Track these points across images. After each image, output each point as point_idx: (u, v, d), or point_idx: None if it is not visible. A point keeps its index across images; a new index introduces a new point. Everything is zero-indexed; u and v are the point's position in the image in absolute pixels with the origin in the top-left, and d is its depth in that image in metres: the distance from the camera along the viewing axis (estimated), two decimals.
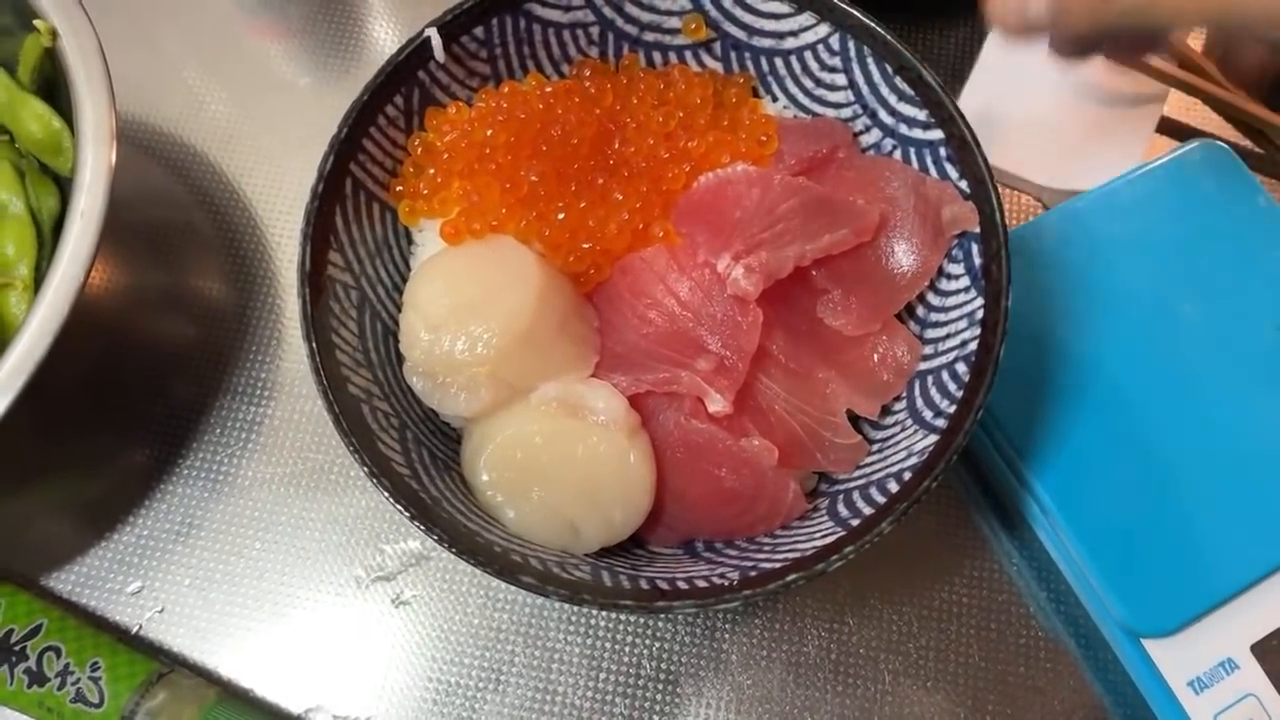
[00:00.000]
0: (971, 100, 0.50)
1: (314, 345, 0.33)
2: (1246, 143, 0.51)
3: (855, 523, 0.32)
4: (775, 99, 0.42)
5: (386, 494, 0.31)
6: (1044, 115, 0.50)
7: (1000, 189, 0.50)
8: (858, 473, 0.36)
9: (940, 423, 0.33)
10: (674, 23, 0.41)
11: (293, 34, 0.55)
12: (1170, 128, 0.51)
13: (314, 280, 0.34)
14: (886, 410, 0.37)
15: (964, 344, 0.34)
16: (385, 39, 0.54)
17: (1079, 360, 0.42)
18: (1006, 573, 0.43)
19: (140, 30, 0.55)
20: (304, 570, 0.43)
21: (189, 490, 0.45)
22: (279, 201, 0.51)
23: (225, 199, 0.51)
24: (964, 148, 0.36)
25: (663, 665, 0.41)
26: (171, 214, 0.51)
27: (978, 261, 0.35)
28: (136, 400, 0.47)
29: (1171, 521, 0.40)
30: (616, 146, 0.39)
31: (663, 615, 0.38)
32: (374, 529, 0.44)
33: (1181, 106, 0.52)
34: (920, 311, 0.38)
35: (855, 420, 0.37)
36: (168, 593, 0.43)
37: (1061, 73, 0.51)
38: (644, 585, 0.31)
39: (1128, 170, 0.46)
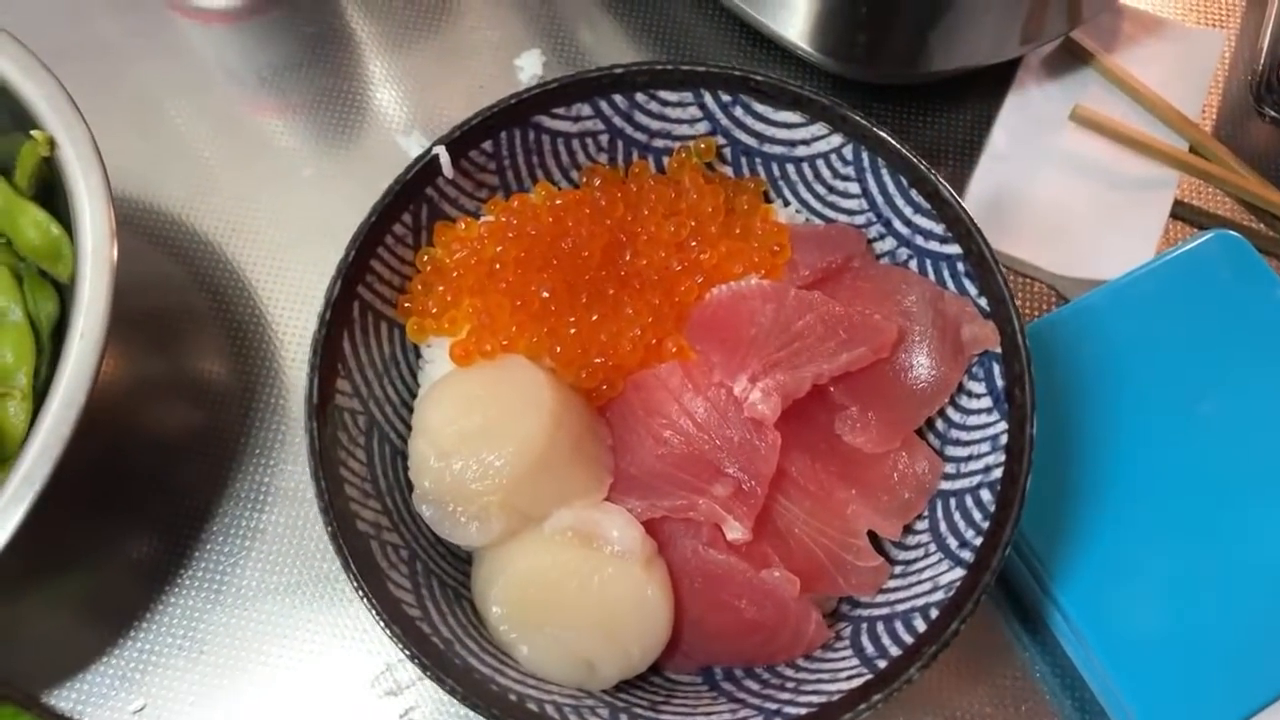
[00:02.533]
0: (981, 187, 0.50)
1: (322, 484, 0.32)
2: (1260, 226, 0.51)
3: (882, 664, 0.31)
4: (787, 203, 0.41)
5: (399, 642, 0.30)
6: (1055, 202, 0.50)
7: (1014, 277, 0.50)
8: (881, 598, 0.35)
9: (966, 555, 0.32)
10: (684, 130, 0.40)
11: (293, 112, 0.54)
12: (1183, 211, 0.51)
13: (321, 413, 0.33)
14: (908, 529, 0.36)
15: (988, 469, 0.34)
16: (386, 122, 0.53)
17: (1100, 463, 0.41)
18: (1030, 679, 0.42)
19: (143, 113, 0.54)
20: (309, 685, 0.42)
21: (191, 601, 0.44)
22: (281, 294, 0.50)
23: (228, 289, 0.50)
24: (983, 265, 0.35)
25: None
26: (172, 303, 0.51)
27: (1000, 383, 0.34)
28: (137, 500, 0.46)
29: (1198, 631, 0.39)
30: (628, 258, 0.38)
31: None
32: (380, 640, 0.43)
33: (1192, 189, 0.51)
34: (940, 426, 0.37)
35: (876, 540, 0.36)
36: (171, 711, 0.42)
37: (1071, 159, 0.50)
38: None
39: (1143, 262, 0.46)
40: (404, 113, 0.54)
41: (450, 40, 0.55)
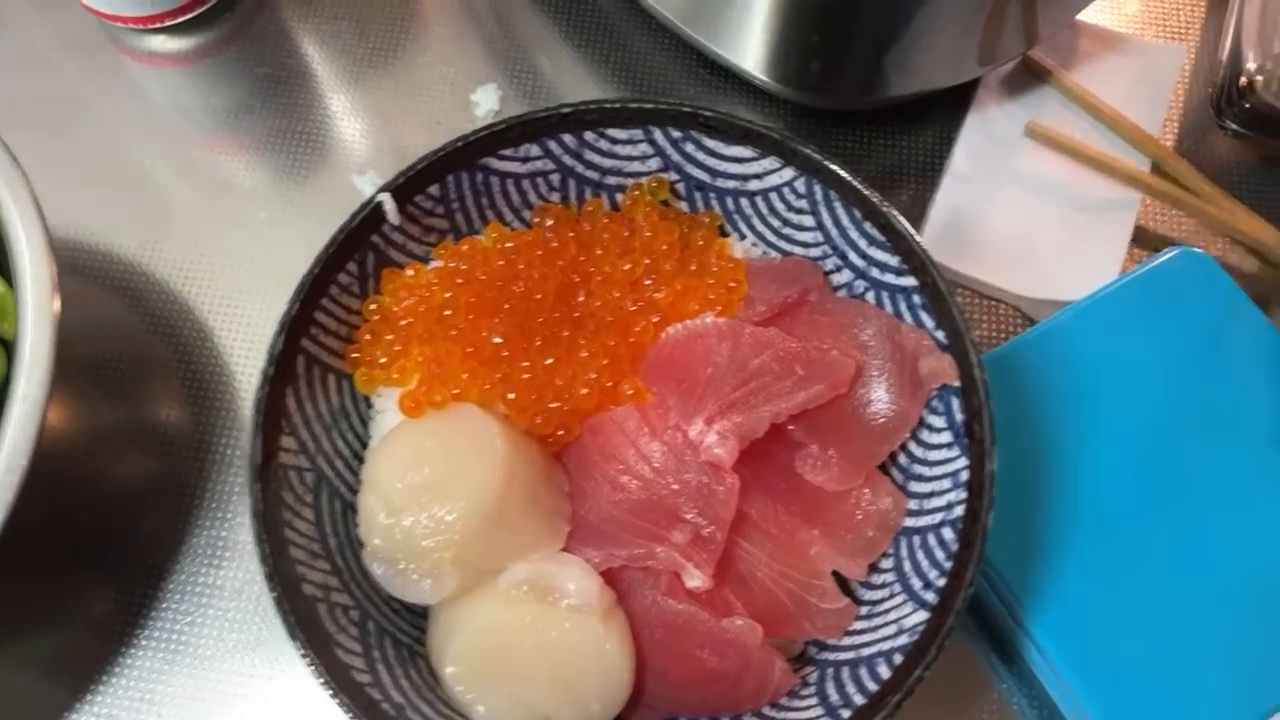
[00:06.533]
0: (943, 209, 0.49)
1: (266, 547, 0.31)
2: (1222, 241, 0.50)
3: (846, 714, 0.30)
4: (743, 236, 0.41)
5: (347, 710, 0.29)
6: (1018, 222, 0.49)
7: (979, 299, 0.49)
8: (847, 640, 0.34)
9: (930, 597, 0.32)
10: (635, 166, 0.39)
11: (248, 154, 0.53)
12: (1147, 229, 0.51)
13: (265, 473, 0.32)
14: (874, 569, 0.36)
15: (950, 506, 0.33)
16: (342, 161, 0.53)
17: (1069, 489, 0.41)
18: (1008, 712, 0.41)
19: (96, 158, 0.53)
20: None
21: (148, 661, 0.43)
22: (239, 340, 0.49)
23: (185, 335, 0.49)
24: (938, 297, 0.34)
25: None
26: (127, 350, 0.50)
27: (959, 417, 0.34)
28: (92, 555, 0.44)
29: (1176, 660, 0.38)
30: (582, 299, 0.38)
31: None
32: None
33: (1157, 206, 0.51)
34: (903, 461, 0.37)
35: (845, 581, 0.36)
36: None
37: (1033, 178, 0.50)
38: None
39: (1108, 281, 0.45)
40: (359, 151, 0.53)
41: (405, 77, 0.55)
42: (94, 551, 0.45)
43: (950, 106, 0.52)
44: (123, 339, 0.50)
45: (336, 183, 0.52)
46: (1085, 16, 0.53)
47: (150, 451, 0.47)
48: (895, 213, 0.35)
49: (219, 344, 0.49)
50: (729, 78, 0.54)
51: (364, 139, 0.53)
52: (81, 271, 0.51)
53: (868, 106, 0.51)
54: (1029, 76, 0.53)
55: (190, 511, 0.46)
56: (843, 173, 0.36)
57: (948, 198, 0.50)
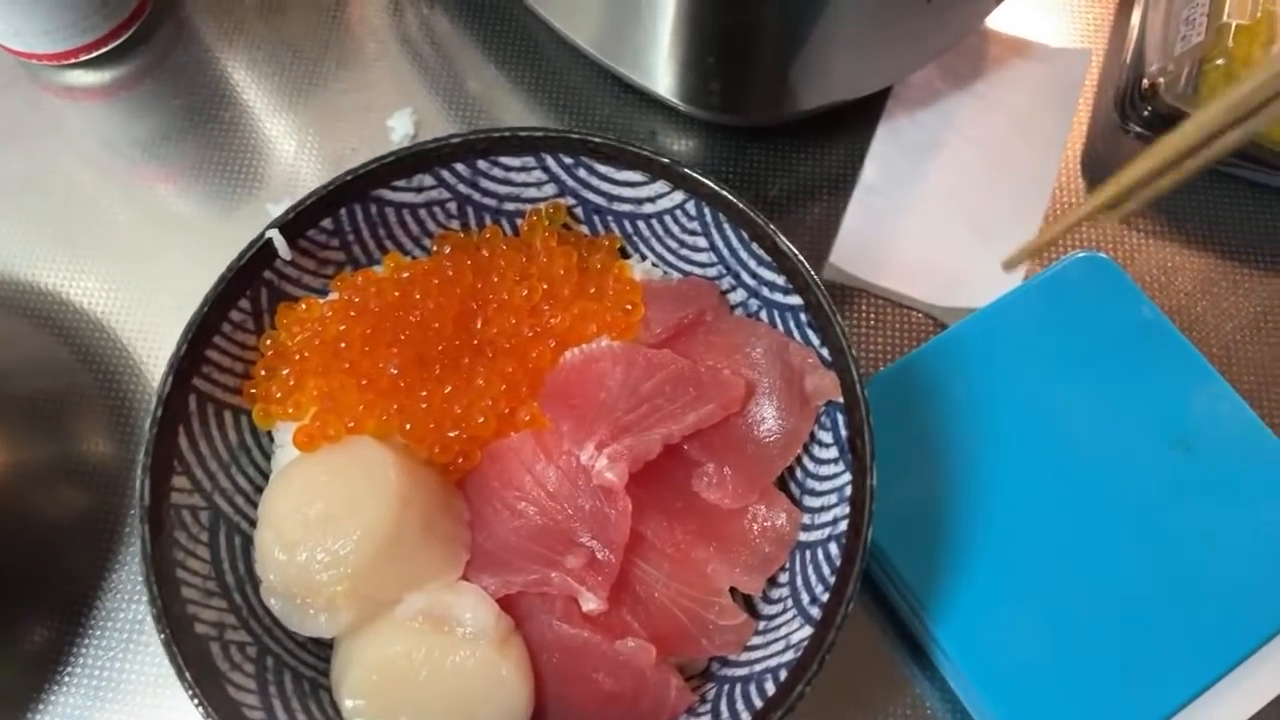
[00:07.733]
0: (854, 220, 0.50)
1: (155, 589, 0.31)
2: (1129, 241, 0.51)
3: None
4: (644, 257, 0.41)
5: None
6: (926, 231, 0.50)
7: (891, 307, 0.50)
8: (745, 656, 0.35)
9: (815, 612, 0.32)
10: (532, 192, 0.40)
11: (165, 184, 0.54)
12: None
13: (154, 515, 0.32)
14: (773, 583, 0.36)
15: (836, 521, 0.34)
16: (258, 190, 0.53)
17: (972, 494, 0.41)
18: (923, 713, 0.42)
19: (17, 193, 0.53)
20: None
21: (71, 698, 0.43)
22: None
23: (114, 367, 0.49)
24: (820, 315, 0.35)
25: None
26: (56, 384, 0.50)
27: (843, 433, 0.34)
28: (20, 592, 0.45)
29: (1077, 662, 0.39)
30: (479, 326, 0.38)
31: None
32: None
33: (1060, 213, 0.52)
34: (799, 475, 0.37)
35: (749, 597, 0.36)
36: None
37: (941, 187, 0.51)
38: None
39: (1011, 287, 0.46)
40: (275, 179, 0.53)
41: (323, 104, 0.55)
42: (19, 587, 0.45)
43: (863, 117, 0.53)
44: (45, 372, 0.50)
45: (253, 211, 0.52)
46: (992, 23, 0.54)
47: (80, 485, 0.47)
48: (779, 234, 0.36)
49: (142, 375, 0.49)
50: (648, 97, 0.54)
51: (280, 167, 0.54)
52: (3, 304, 0.51)
53: (778, 122, 0.52)
54: (939, 85, 0.54)
55: (116, 546, 0.46)
56: (728, 195, 0.36)
57: (859, 209, 0.50)
